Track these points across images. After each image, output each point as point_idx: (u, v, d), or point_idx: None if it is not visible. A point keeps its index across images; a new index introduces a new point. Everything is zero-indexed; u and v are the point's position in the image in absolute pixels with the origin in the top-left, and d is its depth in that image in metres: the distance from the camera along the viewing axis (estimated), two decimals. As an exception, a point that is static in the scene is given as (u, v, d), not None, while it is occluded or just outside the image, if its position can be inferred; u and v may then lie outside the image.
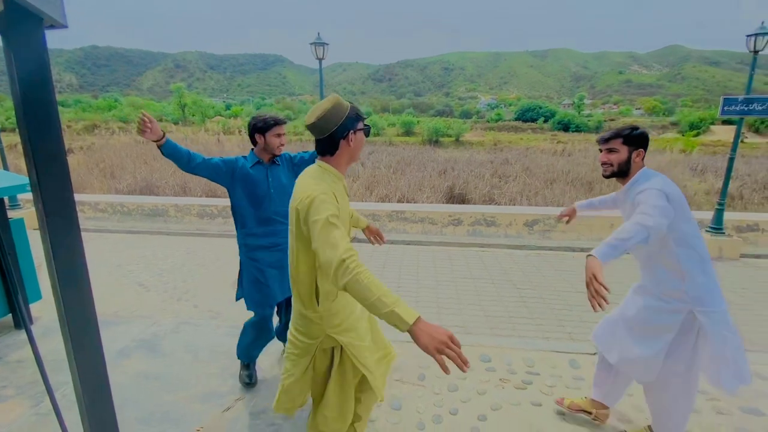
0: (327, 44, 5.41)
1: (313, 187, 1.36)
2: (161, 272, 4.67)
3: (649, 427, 2.02)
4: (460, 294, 4.13)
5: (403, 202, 10.72)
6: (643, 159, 1.79)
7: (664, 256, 1.70)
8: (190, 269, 4.75)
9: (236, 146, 18.73)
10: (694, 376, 1.78)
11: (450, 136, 40.19)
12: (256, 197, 2.23)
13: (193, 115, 57.34)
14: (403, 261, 5.09)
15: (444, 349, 1.12)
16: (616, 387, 2.06)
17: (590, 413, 2.14)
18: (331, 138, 1.41)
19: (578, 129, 45.37)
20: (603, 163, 1.82)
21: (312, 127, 1.42)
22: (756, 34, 4.91)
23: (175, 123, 45.47)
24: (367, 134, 1.51)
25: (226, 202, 7.12)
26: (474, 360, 2.78)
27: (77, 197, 7.63)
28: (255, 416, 2.20)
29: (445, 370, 1.09)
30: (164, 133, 2.08)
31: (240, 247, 2.34)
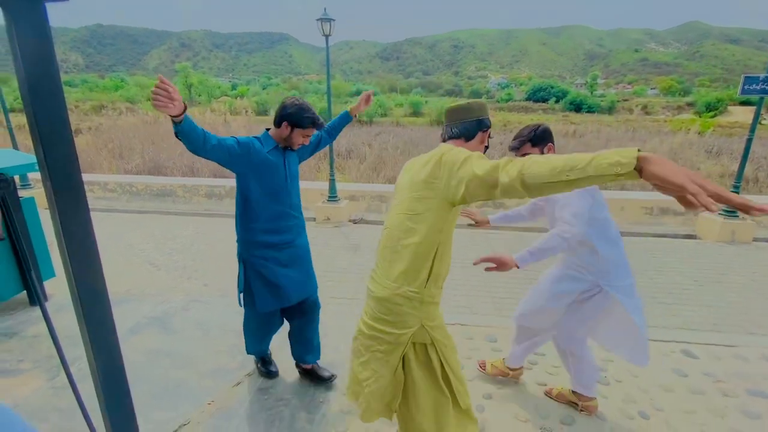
0: (333, 20, 5.28)
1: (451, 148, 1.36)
2: (171, 251, 4.73)
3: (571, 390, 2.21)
4: (468, 276, 4.14)
5: (410, 184, 10.65)
6: (554, 152, 1.90)
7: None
8: (199, 249, 4.81)
9: (242, 127, 18.67)
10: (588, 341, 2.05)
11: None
12: (272, 187, 1.93)
13: (200, 95, 57.03)
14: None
15: (696, 180, 0.79)
16: (522, 349, 2.26)
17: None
18: (474, 124, 1.47)
19: (590, 110, 44.28)
20: None
21: (463, 109, 1.48)
22: (783, 9, 4.68)
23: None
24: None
25: (235, 182, 7.15)
26: (480, 340, 2.81)
27: (86, 177, 7.71)
28: (264, 391, 2.26)
29: (699, 205, 0.77)
30: (185, 107, 1.59)
31: (243, 245, 2.03)
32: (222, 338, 2.79)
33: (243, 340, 2.70)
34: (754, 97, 5.24)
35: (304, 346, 2.29)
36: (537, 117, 40.54)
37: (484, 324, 3.04)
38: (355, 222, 6.07)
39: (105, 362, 1.22)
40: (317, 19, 5.31)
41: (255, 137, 1.93)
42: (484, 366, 2.42)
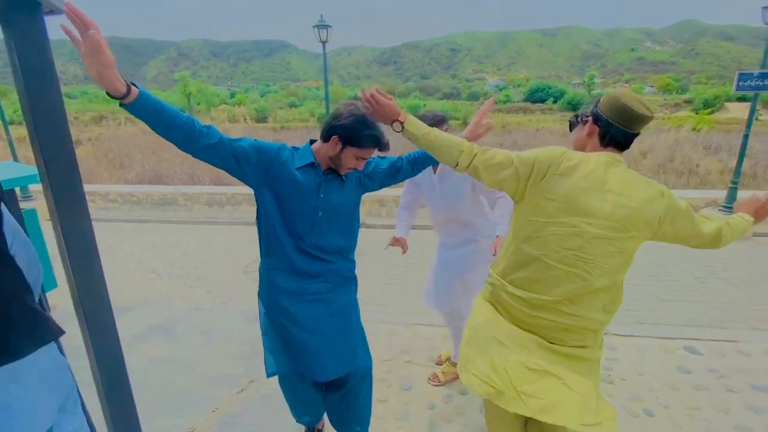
0: (330, 27, 5.32)
1: (652, 182, 1.24)
2: (173, 260, 4.75)
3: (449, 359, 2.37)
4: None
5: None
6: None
7: (476, 203, 2.10)
8: (201, 257, 4.82)
9: (241, 134, 18.74)
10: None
11: (457, 119, 39.57)
12: (293, 217, 1.39)
13: (199, 104, 57.27)
14: (411, 246, 5.10)
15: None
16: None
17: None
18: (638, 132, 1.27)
19: (588, 109, 44.17)
20: None
21: (648, 120, 1.23)
22: (775, 5, 4.70)
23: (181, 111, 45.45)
24: None
25: (236, 189, 7.17)
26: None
27: (87, 188, 7.75)
28: (268, 398, 2.26)
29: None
30: (129, 85, 1.04)
31: (260, 279, 1.54)
32: (225, 345, 2.79)
33: (245, 346, 2.71)
34: (750, 94, 5.26)
35: (343, 416, 1.68)
36: (535, 117, 40.62)
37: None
38: (355, 226, 6.08)
39: (108, 371, 1.23)
40: (314, 26, 5.35)
41: (292, 146, 1.45)
42: (437, 379, 2.36)
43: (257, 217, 1.47)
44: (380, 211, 6.52)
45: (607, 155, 1.23)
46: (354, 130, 1.32)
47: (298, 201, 1.38)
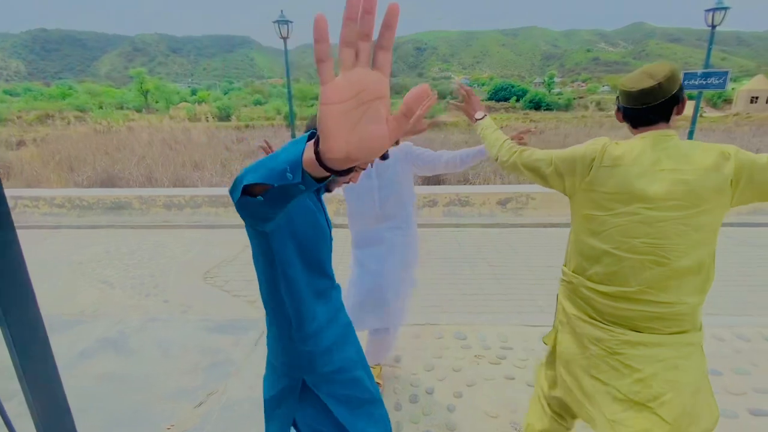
0: (291, 22, 5.18)
1: (714, 146, 1.15)
2: (127, 267, 4.47)
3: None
4: (437, 275, 4.16)
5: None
6: None
7: (409, 186, 2.17)
8: (159, 263, 4.57)
9: (203, 133, 18.05)
10: None
11: (425, 117, 39.95)
12: (314, 254, 1.09)
13: (157, 102, 54.74)
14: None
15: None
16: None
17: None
18: (675, 99, 1.19)
19: (549, 107, 46.14)
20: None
21: (658, 88, 1.17)
22: (714, 9, 5.04)
23: (138, 110, 43.31)
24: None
25: (195, 191, 6.87)
26: (449, 338, 2.82)
27: (30, 192, 7.17)
28: (228, 409, 2.16)
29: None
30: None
31: (287, 371, 1.13)
32: (183, 357, 2.65)
33: (205, 357, 2.57)
34: (694, 92, 5.61)
35: None
36: (500, 116, 41.72)
37: (453, 322, 3.06)
38: (323, 227, 5.99)
39: (44, 398, 1.11)
40: (274, 22, 5.20)
41: None
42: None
43: (260, 277, 1.05)
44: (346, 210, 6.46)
45: (652, 135, 1.20)
46: None
47: (311, 231, 1.07)
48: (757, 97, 50.37)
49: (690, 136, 5.65)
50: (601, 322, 1.24)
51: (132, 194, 6.68)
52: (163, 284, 3.97)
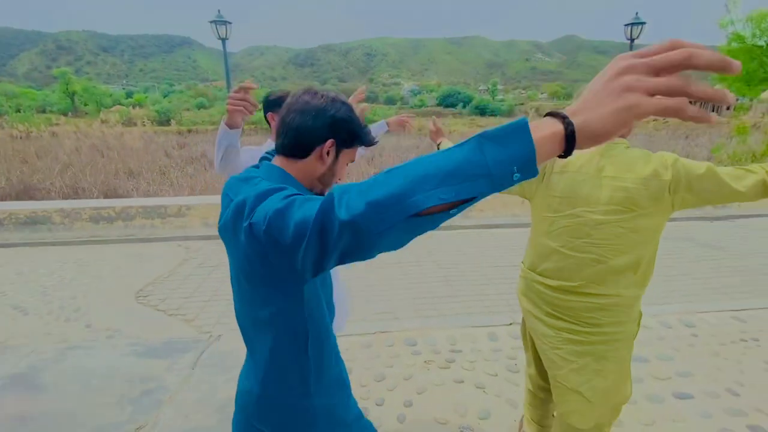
0: (230, 23, 4.95)
1: (655, 156, 1.26)
2: (44, 290, 3.98)
3: None
4: (389, 279, 4.14)
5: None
6: None
7: None
8: (82, 283, 4.12)
9: (138, 139, 16.79)
10: None
11: (376, 122, 40.32)
12: (327, 278, 0.98)
13: (86, 105, 50.35)
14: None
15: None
16: None
17: None
18: None
19: (493, 113, 48.49)
20: None
21: None
22: (632, 24, 5.54)
23: (64, 114, 39.51)
24: None
25: (128, 201, 6.31)
26: (400, 345, 2.79)
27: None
28: (161, 444, 1.96)
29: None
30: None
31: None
32: (107, 388, 2.38)
33: (134, 387, 2.33)
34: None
35: None
36: (448, 121, 43.10)
37: (403, 328, 3.03)
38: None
39: None
40: (211, 22, 4.93)
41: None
42: None
43: (289, 345, 0.85)
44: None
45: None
46: (353, 123, 0.89)
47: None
48: (670, 105, 56.75)
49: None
50: (548, 317, 1.40)
51: (52, 207, 6.01)
52: (86, 307, 3.57)
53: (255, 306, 0.83)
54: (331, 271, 1.96)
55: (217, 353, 2.68)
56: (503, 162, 0.48)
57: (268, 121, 1.80)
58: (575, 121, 0.48)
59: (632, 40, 5.64)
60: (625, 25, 5.59)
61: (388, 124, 2.12)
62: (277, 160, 0.88)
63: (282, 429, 0.90)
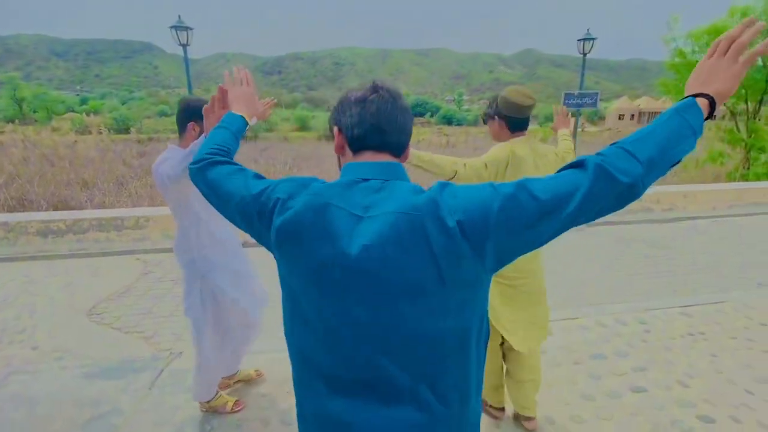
0: (191, 29, 4.83)
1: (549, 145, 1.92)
2: (-18, 311, 3.66)
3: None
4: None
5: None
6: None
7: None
8: (28, 302, 3.82)
9: (92, 148, 15.92)
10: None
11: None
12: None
13: (35, 112, 47.36)
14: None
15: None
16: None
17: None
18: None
19: (459, 123, 49.92)
20: None
21: (533, 106, 1.72)
22: (584, 39, 5.90)
23: (10, 121, 36.87)
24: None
25: (80, 213, 5.94)
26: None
27: None
28: (113, 472, 1.83)
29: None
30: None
31: None
32: (54, 414, 2.20)
33: (83, 411, 2.17)
34: (574, 110, 6.45)
35: None
36: (415, 129, 43.76)
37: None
38: (243, 246, 5.58)
39: None
40: (171, 27, 4.78)
41: (308, 179, 0.83)
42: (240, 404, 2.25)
43: (480, 335, 0.84)
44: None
45: (526, 138, 1.78)
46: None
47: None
48: (623, 115, 60.87)
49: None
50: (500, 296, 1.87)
51: (-7, 221, 5.55)
52: (32, 328, 3.31)
53: (436, 319, 0.73)
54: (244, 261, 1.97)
55: (177, 371, 2.55)
56: (698, 124, 0.75)
57: (186, 129, 1.79)
58: (710, 92, 0.77)
59: (585, 54, 6.01)
60: (578, 40, 5.96)
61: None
62: (385, 156, 0.82)
63: None
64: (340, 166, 0.87)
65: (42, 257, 5.12)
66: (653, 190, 7.14)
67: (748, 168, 11.82)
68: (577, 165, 0.72)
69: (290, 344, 0.84)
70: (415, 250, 0.68)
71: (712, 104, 0.77)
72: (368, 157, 0.81)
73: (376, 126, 0.79)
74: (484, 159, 1.70)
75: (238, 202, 0.84)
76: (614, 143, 0.75)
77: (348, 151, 0.83)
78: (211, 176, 0.91)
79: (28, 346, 3.06)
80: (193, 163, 0.95)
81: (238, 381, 2.41)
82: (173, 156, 1.71)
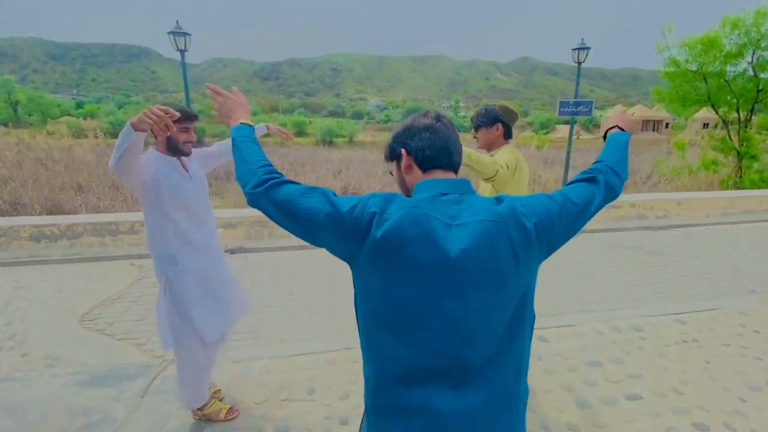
0: (189, 34, 4.84)
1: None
2: (-27, 317, 3.60)
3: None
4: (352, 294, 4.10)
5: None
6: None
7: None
8: (19, 307, 3.77)
9: (89, 152, 15.85)
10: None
11: (343, 137, 40.53)
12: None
13: (30, 115, 47.15)
14: (297, 268, 4.86)
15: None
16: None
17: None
18: None
19: (457, 129, 50.27)
20: None
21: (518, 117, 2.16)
22: (579, 48, 5.98)
23: (5, 124, 36.68)
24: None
25: (74, 218, 5.89)
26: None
27: None
28: (104, 481, 1.80)
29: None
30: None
31: None
32: (44, 422, 2.17)
33: (74, 420, 2.14)
34: (569, 118, 6.52)
35: None
36: (413, 136, 44.08)
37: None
38: (232, 252, 5.56)
39: None
40: (169, 33, 4.80)
41: (379, 195, 0.94)
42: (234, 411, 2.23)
43: (531, 322, 1.03)
44: (261, 233, 6.10)
45: (514, 144, 2.10)
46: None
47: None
48: (617, 123, 61.41)
49: (568, 156, 6.54)
50: None
51: (-15, 225, 5.50)
52: (23, 334, 3.27)
53: (509, 306, 0.90)
54: (203, 274, 1.96)
55: (170, 378, 2.52)
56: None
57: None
58: (622, 126, 1.28)
59: (579, 63, 6.09)
60: (573, 49, 6.05)
61: (268, 128, 2.35)
62: (450, 174, 1.00)
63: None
64: (399, 183, 1.05)
65: (35, 262, 5.07)
66: (647, 197, 7.19)
67: (741, 176, 11.96)
68: (591, 180, 1.06)
69: (370, 343, 0.94)
70: (502, 249, 0.85)
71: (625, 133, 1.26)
72: (438, 174, 0.97)
73: (445, 149, 0.97)
74: (502, 161, 1.91)
75: (325, 218, 0.90)
76: (602, 162, 1.14)
77: (416, 170, 0.98)
78: (281, 197, 0.96)
79: (19, 353, 3.02)
80: (256, 186, 0.99)
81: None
82: (145, 157, 1.81)
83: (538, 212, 0.91)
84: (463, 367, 0.87)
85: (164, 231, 1.84)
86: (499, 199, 0.92)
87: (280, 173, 1.03)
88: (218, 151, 2.23)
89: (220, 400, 2.26)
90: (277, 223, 0.98)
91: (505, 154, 1.96)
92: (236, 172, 1.05)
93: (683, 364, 2.72)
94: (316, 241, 0.96)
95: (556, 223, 0.92)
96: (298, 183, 1.00)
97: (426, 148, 0.96)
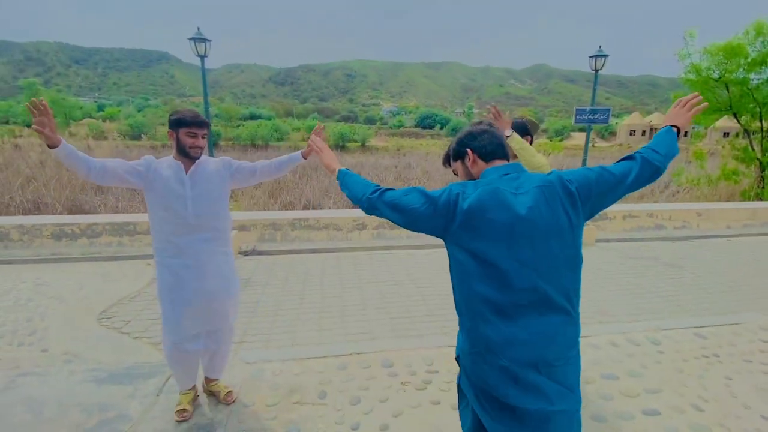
0: (209, 41, 4.95)
1: None
2: (-4, 312, 3.71)
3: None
4: (366, 299, 4.10)
5: (309, 209, 10.44)
6: None
7: (226, 201, 2.22)
8: (40, 304, 3.87)
9: (108, 154, 16.26)
10: None
11: (356, 141, 40.74)
12: None
13: (54, 117, 48.66)
14: (309, 271, 4.89)
15: None
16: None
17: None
18: None
19: (470, 135, 50.02)
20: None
21: None
22: (596, 56, 5.92)
23: (28, 126, 37.85)
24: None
25: (93, 217, 6.05)
26: (377, 367, 2.74)
27: None
28: (118, 478, 1.83)
29: None
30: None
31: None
32: (61, 419, 2.22)
33: (91, 416, 2.18)
34: (585, 125, 6.43)
35: None
36: (426, 142, 44.04)
37: (380, 349, 2.99)
38: (245, 254, 5.62)
39: None
40: (190, 39, 4.92)
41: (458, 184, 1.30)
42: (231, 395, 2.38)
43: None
44: (274, 236, 6.16)
45: None
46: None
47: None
48: (634, 131, 60.59)
49: (583, 164, 6.43)
50: None
51: (9, 223, 5.68)
52: (43, 330, 3.36)
53: (569, 249, 1.22)
54: (179, 277, 2.06)
55: (184, 378, 2.55)
56: (675, 138, 1.38)
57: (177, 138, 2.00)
58: (678, 124, 1.41)
59: (597, 70, 6.02)
60: (590, 56, 5.98)
61: (303, 154, 2.27)
62: (504, 161, 1.33)
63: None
64: (466, 176, 1.37)
65: (55, 260, 5.21)
66: (666, 207, 7.04)
67: (763, 186, 11.61)
68: (629, 158, 1.31)
69: (464, 294, 1.25)
70: (556, 206, 1.19)
71: (679, 130, 1.40)
72: (498, 163, 1.31)
73: (501, 144, 1.33)
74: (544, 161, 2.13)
75: (423, 205, 1.26)
76: (643, 147, 1.35)
77: (480, 162, 1.32)
78: (389, 199, 1.34)
79: (38, 349, 3.10)
80: (371, 194, 1.40)
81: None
82: (162, 159, 2.10)
83: (579, 180, 1.23)
84: (543, 298, 1.17)
85: (152, 224, 2.04)
86: (548, 173, 1.25)
87: (380, 186, 1.44)
88: (252, 168, 2.18)
89: (228, 404, 2.32)
90: (388, 218, 1.35)
91: (542, 158, 2.19)
92: (353, 196, 1.47)
93: (703, 379, 2.63)
94: (417, 226, 1.29)
95: (594, 188, 1.23)
96: (396, 189, 1.37)
97: (487, 144, 1.31)
